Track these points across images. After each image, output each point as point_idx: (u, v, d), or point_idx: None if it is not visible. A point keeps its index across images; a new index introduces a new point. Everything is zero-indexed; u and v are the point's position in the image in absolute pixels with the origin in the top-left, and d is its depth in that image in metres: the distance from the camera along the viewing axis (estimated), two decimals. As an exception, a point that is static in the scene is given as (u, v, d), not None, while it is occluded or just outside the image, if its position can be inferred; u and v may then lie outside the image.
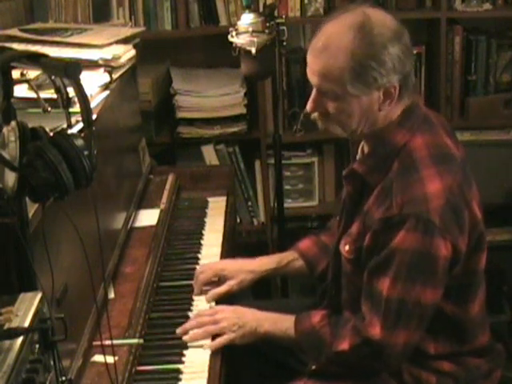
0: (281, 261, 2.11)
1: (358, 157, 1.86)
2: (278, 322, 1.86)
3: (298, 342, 1.84)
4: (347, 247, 1.79)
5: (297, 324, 1.83)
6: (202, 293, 2.03)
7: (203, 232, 2.39)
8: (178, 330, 1.84)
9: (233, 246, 2.45)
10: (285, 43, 2.62)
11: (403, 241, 1.64)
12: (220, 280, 2.06)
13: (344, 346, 1.73)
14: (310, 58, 1.71)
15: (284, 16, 2.70)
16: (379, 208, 1.69)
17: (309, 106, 1.75)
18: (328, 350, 1.76)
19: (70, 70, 1.24)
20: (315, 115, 1.77)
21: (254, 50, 2.48)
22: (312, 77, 1.71)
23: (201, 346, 1.81)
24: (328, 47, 1.67)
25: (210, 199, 2.61)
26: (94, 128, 1.28)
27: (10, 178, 1.20)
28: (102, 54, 2.21)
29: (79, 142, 1.23)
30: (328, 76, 1.67)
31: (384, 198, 1.68)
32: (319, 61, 1.68)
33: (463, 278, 1.74)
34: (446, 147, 1.75)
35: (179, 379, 1.69)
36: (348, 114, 1.70)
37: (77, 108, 1.28)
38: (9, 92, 1.25)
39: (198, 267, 2.12)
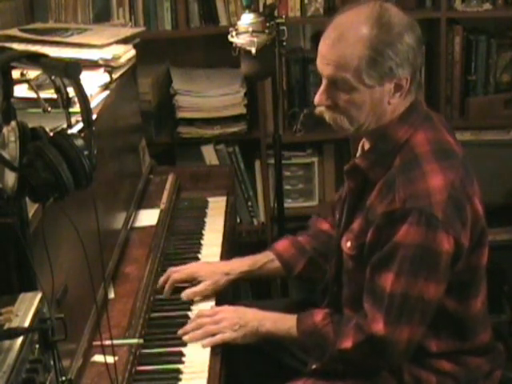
0: (255, 263, 2.09)
1: (358, 154, 1.86)
2: (279, 322, 1.86)
3: (301, 341, 1.84)
4: (349, 244, 1.79)
5: (299, 323, 1.83)
6: (171, 293, 2.02)
7: (203, 232, 2.38)
8: (179, 332, 1.84)
9: (233, 246, 2.45)
10: (285, 43, 2.63)
11: (406, 235, 1.64)
12: (193, 283, 2.04)
13: (347, 343, 1.73)
14: (323, 48, 1.71)
15: (284, 16, 2.70)
16: (382, 203, 1.69)
17: (317, 99, 1.74)
18: (331, 348, 1.76)
19: (70, 70, 1.24)
20: (321, 109, 1.77)
21: (253, 50, 2.48)
22: (325, 67, 1.71)
23: (201, 346, 1.81)
24: (345, 37, 1.67)
25: (209, 199, 2.61)
26: (94, 128, 1.28)
27: (10, 178, 1.19)
28: (102, 53, 2.21)
29: (79, 142, 1.23)
30: (344, 65, 1.67)
31: (386, 193, 1.69)
32: (335, 50, 1.68)
33: (465, 273, 1.74)
34: (448, 143, 1.75)
35: (179, 379, 1.69)
36: (358, 105, 1.70)
37: (77, 108, 1.28)
38: (9, 92, 1.25)
39: (171, 268, 2.09)
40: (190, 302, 1.99)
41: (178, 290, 2.04)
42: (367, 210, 1.73)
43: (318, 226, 2.13)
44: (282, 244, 2.12)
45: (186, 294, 1.99)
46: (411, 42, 1.68)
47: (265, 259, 2.10)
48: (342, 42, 1.67)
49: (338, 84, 1.69)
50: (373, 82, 1.67)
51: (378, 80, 1.67)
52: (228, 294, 2.11)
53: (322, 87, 1.73)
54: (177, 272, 2.05)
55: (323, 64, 1.71)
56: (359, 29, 1.67)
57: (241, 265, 2.09)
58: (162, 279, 2.05)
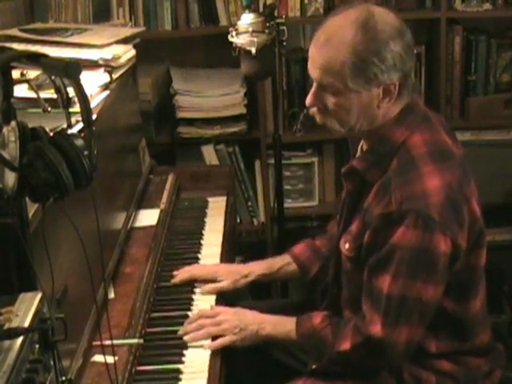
0: (272, 266, 2.11)
1: (357, 155, 1.86)
2: (279, 325, 1.86)
3: (300, 344, 1.84)
4: (347, 245, 1.79)
5: (298, 326, 1.83)
6: (182, 283, 2.06)
7: (203, 232, 2.38)
8: (180, 332, 1.84)
9: (233, 246, 2.45)
10: (285, 43, 2.63)
11: (403, 237, 1.64)
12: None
13: (346, 345, 1.73)
14: (312, 52, 1.72)
15: (284, 16, 2.70)
16: (378, 205, 1.69)
17: (308, 100, 1.75)
18: (330, 350, 1.76)
19: (70, 70, 1.24)
20: (314, 110, 1.77)
21: (253, 50, 2.48)
22: (313, 70, 1.71)
23: (201, 346, 1.81)
24: (330, 41, 1.67)
25: (209, 199, 2.61)
26: (94, 128, 1.28)
27: (10, 178, 1.19)
28: (102, 53, 2.21)
29: (79, 142, 1.23)
30: (329, 70, 1.67)
31: (383, 195, 1.68)
32: (321, 54, 1.68)
33: (464, 274, 1.74)
34: (445, 145, 1.75)
35: (179, 379, 1.69)
36: (347, 109, 1.70)
37: (77, 108, 1.28)
38: (9, 92, 1.25)
39: (192, 266, 2.13)
40: (190, 302, 1.99)
41: (180, 289, 2.05)
42: (364, 212, 1.73)
43: (334, 230, 2.14)
44: (299, 247, 2.14)
45: (206, 288, 2.03)
46: (398, 48, 1.66)
47: (282, 262, 2.12)
48: (328, 45, 1.67)
49: (326, 87, 1.70)
50: (358, 87, 1.67)
51: (363, 85, 1.67)
52: (228, 294, 2.11)
53: (313, 89, 1.74)
54: (196, 269, 2.10)
55: (312, 67, 1.72)
56: (344, 34, 1.66)
57: (259, 267, 2.12)
58: (181, 270, 2.09)
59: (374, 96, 1.69)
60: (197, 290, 2.05)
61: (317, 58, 1.70)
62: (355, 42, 1.64)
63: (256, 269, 2.11)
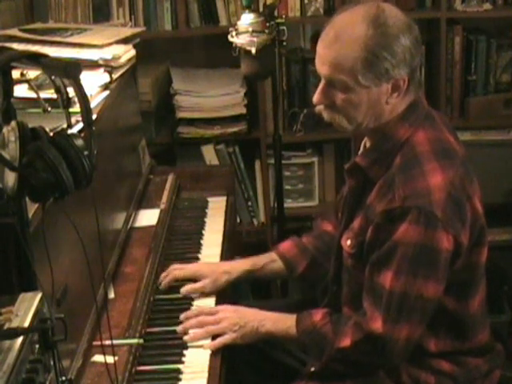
0: (256, 263, 2.09)
1: (360, 152, 1.86)
2: (279, 322, 1.86)
3: (300, 341, 1.84)
4: (349, 242, 1.79)
5: (298, 323, 1.83)
6: (172, 292, 2.03)
7: (203, 232, 2.38)
8: (179, 329, 1.84)
9: (233, 246, 2.45)
10: (285, 43, 2.63)
11: (405, 233, 1.64)
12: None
13: (346, 342, 1.73)
14: (320, 49, 1.71)
15: (284, 16, 2.70)
16: (381, 201, 1.69)
17: (316, 98, 1.74)
18: (330, 347, 1.76)
19: (70, 69, 1.24)
20: (320, 107, 1.77)
21: (253, 50, 2.48)
22: (322, 67, 1.71)
23: (201, 346, 1.81)
24: (341, 37, 1.67)
25: (209, 199, 2.61)
26: (93, 128, 1.28)
27: (10, 178, 1.19)
28: (102, 53, 2.22)
29: (79, 142, 1.23)
30: (340, 66, 1.67)
31: (386, 192, 1.69)
32: (331, 51, 1.68)
33: (464, 272, 1.74)
34: (448, 143, 1.75)
35: (179, 379, 1.69)
36: (355, 105, 1.70)
37: (77, 108, 1.28)
38: (9, 92, 1.25)
39: (173, 265, 2.09)
40: (191, 303, 1.99)
41: (179, 289, 2.05)
42: (367, 209, 1.74)
43: (322, 228, 2.14)
44: (285, 245, 2.13)
45: (185, 289, 2.00)
46: (408, 43, 1.67)
47: (267, 259, 2.10)
48: (338, 42, 1.67)
49: (335, 84, 1.70)
50: (369, 82, 1.67)
51: (374, 81, 1.67)
52: (228, 294, 2.10)
53: (320, 86, 1.74)
54: (178, 270, 2.06)
55: (320, 64, 1.72)
56: (355, 29, 1.66)
57: (242, 264, 2.10)
58: (163, 275, 2.06)
59: (383, 91, 1.69)
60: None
61: (326, 55, 1.69)
62: (367, 37, 1.65)
63: (239, 265, 2.09)
